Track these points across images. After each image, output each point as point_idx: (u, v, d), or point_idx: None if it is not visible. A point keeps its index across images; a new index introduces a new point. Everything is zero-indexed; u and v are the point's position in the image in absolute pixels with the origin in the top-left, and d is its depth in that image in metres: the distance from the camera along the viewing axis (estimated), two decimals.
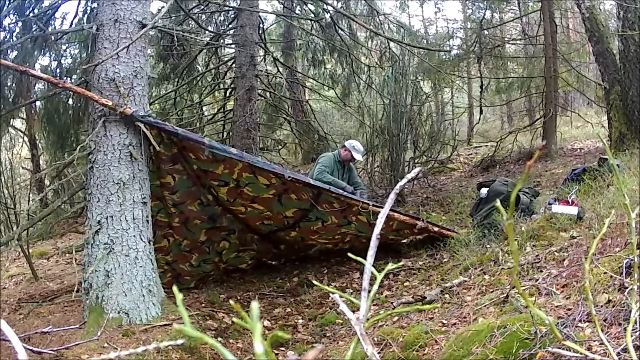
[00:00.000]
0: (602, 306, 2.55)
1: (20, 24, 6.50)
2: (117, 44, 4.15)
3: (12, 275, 7.10)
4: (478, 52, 10.97)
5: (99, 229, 4.02)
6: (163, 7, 5.02)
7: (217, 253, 5.65)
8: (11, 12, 6.46)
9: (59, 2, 6.53)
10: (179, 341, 0.74)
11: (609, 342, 1.86)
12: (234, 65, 9.42)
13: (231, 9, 10.13)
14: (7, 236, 5.27)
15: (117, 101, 4.10)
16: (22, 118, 10.61)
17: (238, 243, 5.72)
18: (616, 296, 2.60)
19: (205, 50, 10.35)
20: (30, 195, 8.05)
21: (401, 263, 2.09)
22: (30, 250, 6.82)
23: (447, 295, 3.93)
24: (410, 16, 17.78)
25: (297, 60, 12.84)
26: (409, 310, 3.10)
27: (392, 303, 4.14)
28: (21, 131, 11.18)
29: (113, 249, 3.99)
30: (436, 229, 5.41)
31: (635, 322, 1.99)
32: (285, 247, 6.04)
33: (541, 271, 3.50)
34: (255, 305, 0.62)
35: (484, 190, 5.37)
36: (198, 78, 10.32)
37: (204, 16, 10.18)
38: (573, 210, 4.27)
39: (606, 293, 2.66)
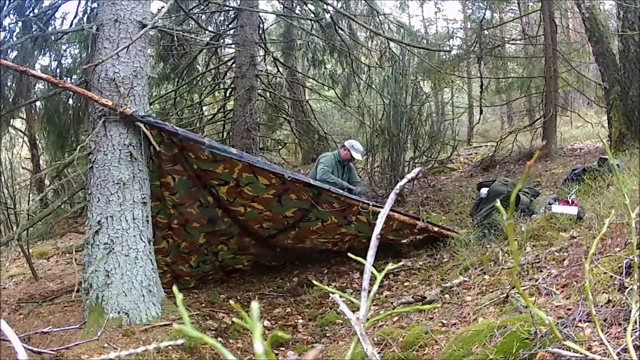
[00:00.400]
0: (602, 306, 2.55)
1: (20, 24, 6.50)
2: (117, 44, 4.15)
3: (12, 275, 7.10)
4: (478, 52, 10.97)
5: (99, 229, 4.02)
6: (163, 7, 5.02)
7: (214, 254, 5.66)
8: (11, 12, 6.47)
9: (59, 2, 6.54)
10: (179, 341, 0.74)
11: (609, 342, 1.86)
12: (234, 65, 9.43)
13: (231, 9, 10.13)
14: (7, 236, 5.27)
15: (117, 101, 4.10)
16: (22, 118, 10.61)
17: (236, 248, 5.72)
18: (616, 296, 2.60)
19: (205, 50, 10.34)
20: (30, 195, 8.05)
21: (401, 263, 2.09)
22: (30, 250, 6.83)
23: (447, 295, 3.93)
24: (410, 16, 17.84)
25: (297, 60, 12.84)
26: (409, 310, 3.09)
27: (392, 303, 4.14)
28: (21, 131, 11.17)
29: (113, 249, 3.99)
30: (436, 229, 5.40)
31: (635, 322, 1.99)
32: (281, 251, 6.04)
33: (541, 271, 3.50)
34: (255, 305, 0.62)
35: (484, 190, 5.37)
36: (198, 78, 10.32)
37: (204, 16, 10.19)
38: (573, 210, 4.27)
39: (606, 293, 2.66)
